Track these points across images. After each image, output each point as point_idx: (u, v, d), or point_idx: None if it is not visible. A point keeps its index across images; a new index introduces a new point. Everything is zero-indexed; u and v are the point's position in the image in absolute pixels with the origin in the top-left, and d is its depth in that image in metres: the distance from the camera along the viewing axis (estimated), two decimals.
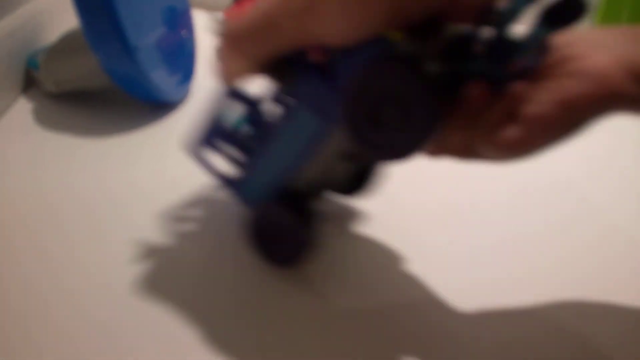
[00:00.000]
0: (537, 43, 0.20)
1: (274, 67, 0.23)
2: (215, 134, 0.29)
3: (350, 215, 0.34)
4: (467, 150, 0.22)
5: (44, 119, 0.39)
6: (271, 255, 0.28)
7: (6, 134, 0.38)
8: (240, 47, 0.22)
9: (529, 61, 0.20)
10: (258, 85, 0.26)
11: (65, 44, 0.38)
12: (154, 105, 0.42)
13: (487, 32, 0.20)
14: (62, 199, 0.32)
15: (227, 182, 0.29)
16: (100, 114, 0.41)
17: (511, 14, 0.19)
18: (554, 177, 0.38)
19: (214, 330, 0.25)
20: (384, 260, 0.31)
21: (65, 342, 0.24)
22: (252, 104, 0.28)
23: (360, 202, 0.34)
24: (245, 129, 0.28)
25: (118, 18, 0.34)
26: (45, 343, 0.23)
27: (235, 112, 0.29)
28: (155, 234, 0.30)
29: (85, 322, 0.25)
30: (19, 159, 0.35)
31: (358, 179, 0.31)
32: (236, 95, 0.28)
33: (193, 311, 0.26)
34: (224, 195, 0.33)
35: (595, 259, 0.32)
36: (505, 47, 0.20)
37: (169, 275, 0.28)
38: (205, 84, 0.50)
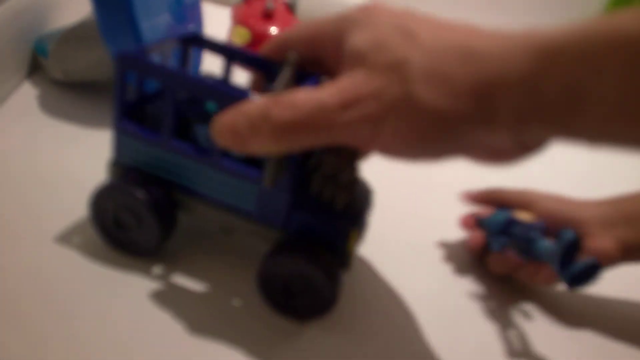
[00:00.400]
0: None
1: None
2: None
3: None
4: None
5: (47, 106, 0.39)
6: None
7: (8, 118, 0.37)
8: (278, 136, 0.20)
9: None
10: None
11: (77, 34, 0.38)
12: None
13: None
14: (59, 183, 0.32)
15: None
16: (105, 105, 0.40)
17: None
18: None
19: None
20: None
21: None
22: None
23: None
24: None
25: (133, 11, 0.33)
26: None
27: None
28: None
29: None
30: (19, 143, 0.35)
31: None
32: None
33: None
34: None
35: None
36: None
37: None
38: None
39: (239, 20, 0.54)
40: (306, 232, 0.25)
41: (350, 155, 0.25)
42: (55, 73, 0.39)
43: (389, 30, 0.20)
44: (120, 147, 0.26)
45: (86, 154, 0.35)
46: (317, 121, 0.19)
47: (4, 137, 0.35)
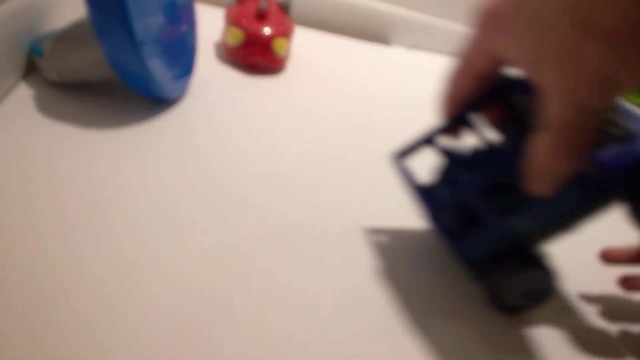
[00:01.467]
0: None
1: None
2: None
3: None
4: None
5: (43, 106, 0.39)
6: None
7: (4, 118, 0.37)
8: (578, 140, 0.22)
9: None
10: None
11: (72, 34, 0.38)
12: (153, 101, 0.42)
13: None
14: (56, 183, 0.32)
15: (448, 236, 0.31)
16: (100, 106, 0.41)
17: None
18: None
19: None
20: None
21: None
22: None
23: None
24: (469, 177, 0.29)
25: (127, 11, 0.34)
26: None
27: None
28: (145, 229, 0.31)
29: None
30: (15, 143, 0.35)
31: None
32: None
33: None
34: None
35: None
36: None
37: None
38: (204, 80, 0.51)
39: (232, 21, 0.55)
40: None
41: None
42: (50, 74, 0.40)
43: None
44: None
45: (82, 154, 0.35)
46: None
47: (1, 138, 0.35)
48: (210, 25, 0.65)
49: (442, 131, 0.30)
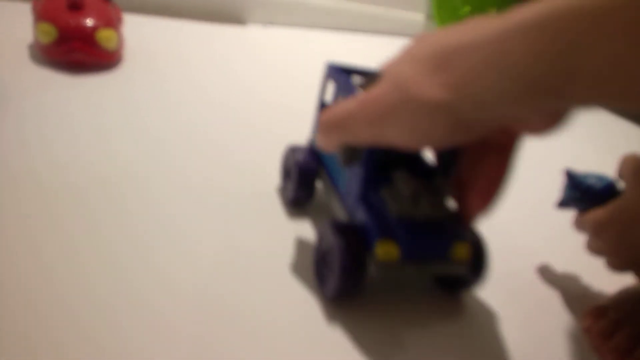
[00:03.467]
0: None
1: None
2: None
3: None
4: None
5: None
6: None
7: None
8: (332, 132, 0.26)
9: None
10: None
11: None
12: None
13: None
14: None
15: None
16: None
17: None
18: None
19: None
20: None
21: None
22: None
23: None
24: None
25: None
26: None
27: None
28: None
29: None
30: None
31: None
32: None
33: None
34: None
35: None
36: None
37: None
38: (15, 89, 0.43)
39: (41, 15, 0.47)
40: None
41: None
42: None
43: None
44: None
45: None
46: (345, 121, 0.25)
47: None
48: (19, 23, 0.55)
49: None
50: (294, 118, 0.51)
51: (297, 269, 0.31)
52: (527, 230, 0.44)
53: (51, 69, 0.48)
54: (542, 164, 0.58)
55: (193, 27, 0.78)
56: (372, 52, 0.98)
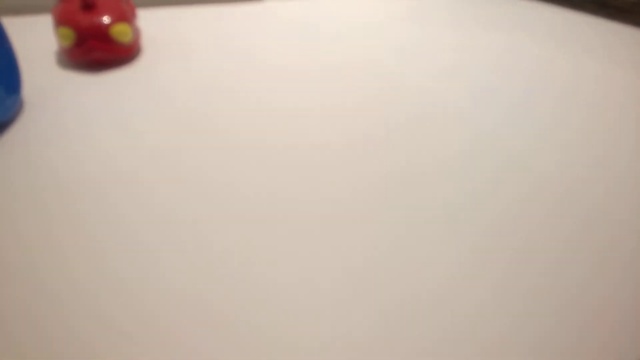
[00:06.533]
0: None
1: None
2: None
3: None
4: None
5: None
6: None
7: None
8: None
9: None
10: None
11: None
12: None
13: None
14: None
15: None
16: None
17: None
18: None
19: None
20: None
21: None
22: None
23: None
24: None
25: None
26: None
27: None
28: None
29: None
30: None
31: None
32: None
33: None
34: None
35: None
36: None
37: None
38: (43, 93, 0.46)
39: (58, 20, 0.49)
40: None
41: None
42: None
43: None
44: None
45: None
46: None
47: None
48: (43, 34, 0.59)
49: None
50: (326, 95, 0.50)
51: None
52: None
53: (74, 70, 0.51)
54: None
55: (209, 10, 0.79)
56: (409, 11, 0.94)
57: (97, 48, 0.49)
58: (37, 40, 0.59)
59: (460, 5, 0.96)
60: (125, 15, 0.52)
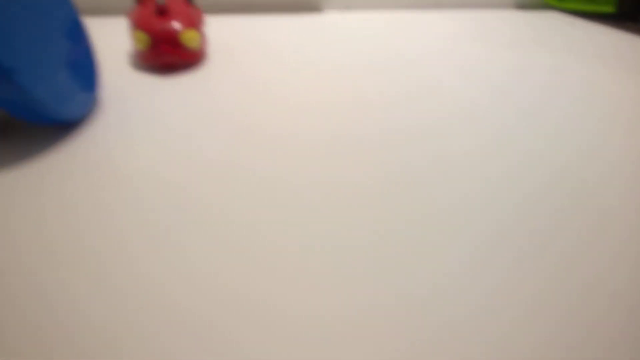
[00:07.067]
0: None
1: None
2: None
3: None
4: None
5: None
6: None
7: None
8: None
9: None
10: None
11: None
12: (57, 126, 0.40)
13: None
14: None
15: None
16: (1, 147, 0.39)
17: None
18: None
19: None
20: None
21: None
22: None
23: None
24: None
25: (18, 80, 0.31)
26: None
27: None
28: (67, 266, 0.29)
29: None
30: None
31: None
32: None
33: None
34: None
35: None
36: None
37: None
38: (117, 92, 0.48)
39: (135, 24, 0.52)
40: None
41: None
42: None
43: None
44: None
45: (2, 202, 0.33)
46: None
47: None
48: (119, 35, 0.62)
49: None
50: (387, 106, 0.51)
51: None
52: None
53: (147, 73, 0.54)
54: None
55: (270, 19, 0.81)
56: (469, 29, 0.93)
57: (168, 52, 0.52)
58: (111, 40, 0.63)
59: (522, 25, 0.94)
60: (195, 22, 0.54)
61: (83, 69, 0.43)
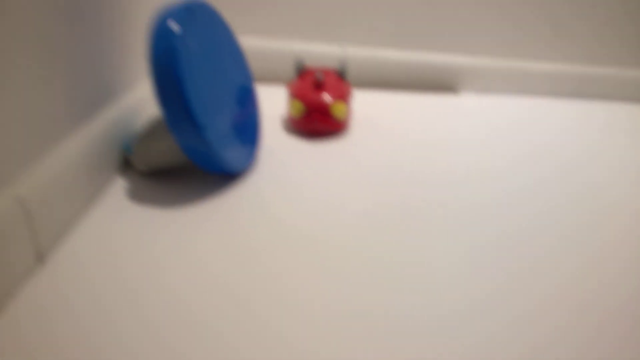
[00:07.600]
0: None
1: None
2: None
3: None
4: None
5: (137, 195, 0.45)
6: None
7: (105, 209, 0.44)
8: None
9: None
10: None
11: (151, 130, 0.45)
12: (225, 176, 0.47)
13: None
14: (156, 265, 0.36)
15: None
16: (181, 188, 0.46)
17: None
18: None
19: None
20: None
21: None
22: None
23: None
24: None
25: (188, 103, 0.39)
26: None
27: None
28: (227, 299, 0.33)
29: None
30: (114, 227, 0.40)
31: None
32: None
33: None
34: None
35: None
36: None
37: None
38: (272, 151, 0.55)
39: (293, 94, 0.60)
40: None
41: None
42: (139, 166, 0.46)
43: None
44: None
45: (167, 231, 0.39)
46: None
47: (101, 226, 0.41)
48: (276, 101, 0.71)
49: None
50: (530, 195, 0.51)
51: None
52: None
53: (297, 137, 0.60)
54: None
55: (410, 97, 0.86)
56: (603, 119, 0.90)
57: (319, 120, 0.58)
58: (270, 105, 0.71)
59: None
60: (344, 95, 0.60)
61: (251, 128, 0.50)
